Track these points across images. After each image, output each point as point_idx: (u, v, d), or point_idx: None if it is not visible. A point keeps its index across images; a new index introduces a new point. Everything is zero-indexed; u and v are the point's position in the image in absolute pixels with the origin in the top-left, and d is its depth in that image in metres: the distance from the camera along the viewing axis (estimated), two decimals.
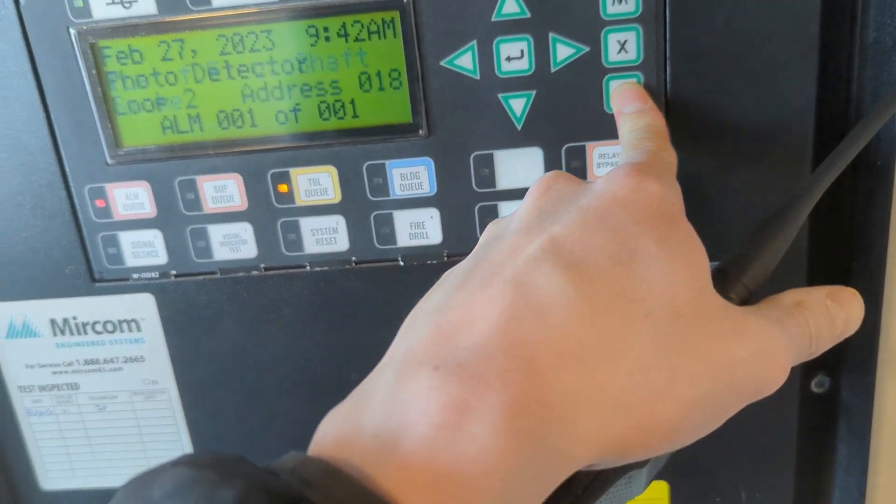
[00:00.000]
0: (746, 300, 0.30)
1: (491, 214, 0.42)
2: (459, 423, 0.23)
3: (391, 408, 0.24)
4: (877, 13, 0.37)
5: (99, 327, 0.46)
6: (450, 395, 0.23)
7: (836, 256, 0.42)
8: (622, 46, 0.38)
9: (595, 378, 0.25)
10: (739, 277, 0.30)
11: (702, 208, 0.40)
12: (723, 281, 0.30)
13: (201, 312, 0.45)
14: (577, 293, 0.25)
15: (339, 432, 0.25)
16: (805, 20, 0.37)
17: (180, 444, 0.49)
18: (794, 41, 0.38)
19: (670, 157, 0.33)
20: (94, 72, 0.41)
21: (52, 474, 0.51)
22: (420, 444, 0.23)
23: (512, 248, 0.28)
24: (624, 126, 0.37)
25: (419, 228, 0.43)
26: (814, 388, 0.46)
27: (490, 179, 0.41)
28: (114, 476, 0.50)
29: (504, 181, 0.41)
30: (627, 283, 0.26)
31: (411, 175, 0.42)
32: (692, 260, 0.27)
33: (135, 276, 0.45)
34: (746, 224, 0.40)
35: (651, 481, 0.31)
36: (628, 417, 0.25)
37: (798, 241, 0.40)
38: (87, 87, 0.41)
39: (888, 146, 0.37)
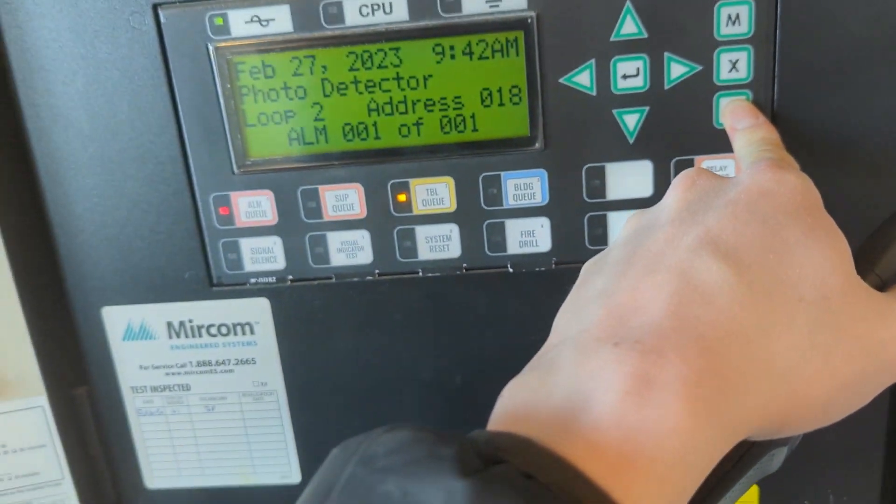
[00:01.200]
0: (879, 288, 0.32)
1: (600, 224, 0.44)
2: (644, 390, 0.25)
3: (577, 380, 0.26)
4: None
5: (213, 330, 0.48)
6: (633, 366, 0.25)
7: None
8: (733, 65, 0.41)
9: (759, 355, 0.27)
10: (872, 268, 0.32)
11: None
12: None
13: (315, 316, 0.47)
14: (737, 279, 0.28)
15: (527, 403, 0.27)
16: None
17: (284, 445, 0.51)
18: (883, 89, 0.40)
19: (794, 162, 0.36)
20: (228, 86, 0.43)
21: (157, 473, 0.52)
22: (610, 408, 0.25)
23: (668, 239, 0.30)
24: (739, 141, 0.39)
25: (529, 237, 0.45)
26: None
27: (601, 190, 0.43)
28: (217, 476, 0.52)
29: (614, 192, 0.43)
30: (781, 270, 0.28)
31: (525, 186, 0.44)
32: (837, 248, 0.30)
33: (252, 280, 0.47)
34: (854, 237, 0.42)
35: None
36: (790, 391, 0.27)
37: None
38: (221, 101, 0.43)
39: None
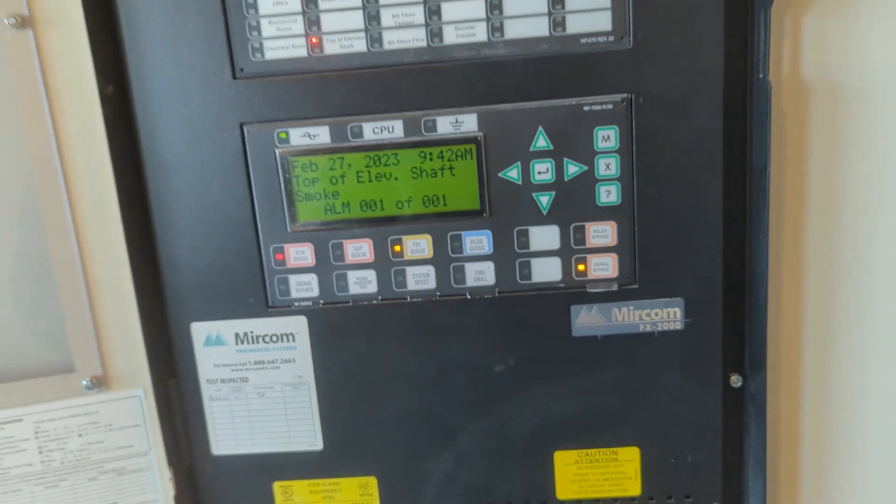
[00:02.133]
0: None
1: (526, 266, 0.68)
2: None
3: None
4: (757, 142, 0.64)
5: (267, 339, 0.71)
6: None
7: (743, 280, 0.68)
8: (607, 166, 0.65)
9: None
10: None
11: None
12: None
13: (338, 329, 0.70)
14: None
15: None
16: (710, 142, 0.64)
17: (312, 422, 0.73)
18: (701, 181, 0.64)
19: None
20: (286, 175, 0.67)
21: (220, 443, 0.74)
22: None
23: None
24: None
25: (481, 274, 0.68)
26: (732, 383, 0.71)
27: (526, 244, 0.67)
28: (263, 444, 0.74)
29: (534, 245, 0.67)
30: None
31: (477, 241, 0.67)
32: None
33: (296, 304, 0.70)
34: (689, 283, 0.66)
35: None
36: None
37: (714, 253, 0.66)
38: (281, 184, 0.67)
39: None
